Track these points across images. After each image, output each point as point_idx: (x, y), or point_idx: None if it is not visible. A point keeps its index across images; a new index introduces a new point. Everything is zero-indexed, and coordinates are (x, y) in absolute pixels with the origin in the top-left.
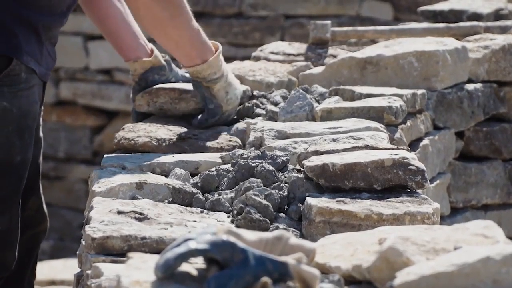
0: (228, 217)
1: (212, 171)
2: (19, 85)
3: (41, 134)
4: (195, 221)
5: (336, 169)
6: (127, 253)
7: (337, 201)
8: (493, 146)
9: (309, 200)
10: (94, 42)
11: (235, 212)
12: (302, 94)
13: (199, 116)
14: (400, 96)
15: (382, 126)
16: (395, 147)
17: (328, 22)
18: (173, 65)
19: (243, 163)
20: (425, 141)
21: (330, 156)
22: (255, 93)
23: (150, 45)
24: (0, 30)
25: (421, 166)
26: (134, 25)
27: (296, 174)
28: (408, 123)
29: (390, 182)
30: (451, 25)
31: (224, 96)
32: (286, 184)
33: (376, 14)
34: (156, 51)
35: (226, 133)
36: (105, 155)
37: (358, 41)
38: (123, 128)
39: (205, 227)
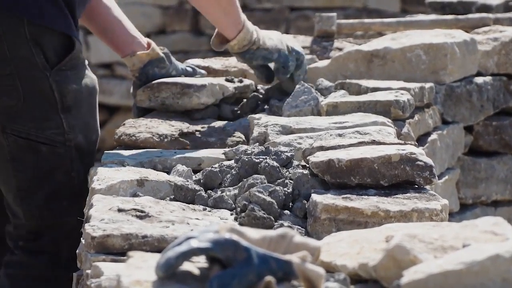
0: (231, 214)
1: (215, 168)
2: (80, 65)
3: None
4: (197, 218)
5: (342, 165)
6: (127, 252)
7: (343, 197)
8: (503, 140)
9: (315, 197)
10: (95, 36)
11: (238, 209)
12: (307, 88)
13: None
14: (408, 89)
15: (389, 120)
16: (403, 142)
17: (334, 14)
18: (172, 58)
19: (246, 159)
20: (434, 136)
21: (336, 152)
22: (259, 87)
23: (146, 39)
24: (54, 5)
25: (429, 161)
26: (126, 20)
27: (301, 170)
28: (416, 117)
29: (397, 178)
30: (460, 17)
31: (273, 41)
32: (290, 181)
33: (383, 6)
34: (153, 44)
35: (229, 128)
36: (105, 152)
37: (365, 33)
38: (124, 124)
39: (207, 225)
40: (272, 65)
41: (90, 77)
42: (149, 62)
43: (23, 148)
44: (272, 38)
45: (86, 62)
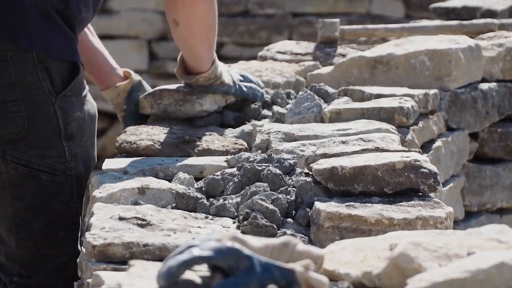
0: (234, 222)
1: (217, 175)
2: (83, 91)
3: None
4: (199, 227)
5: (345, 173)
6: (128, 261)
7: (346, 205)
8: (509, 147)
9: (318, 204)
10: None
11: (241, 217)
12: (310, 95)
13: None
14: (412, 96)
15: (393, 127)
16: (407, 149)
17: (337, 20)
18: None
19: (249, 167)
20: (438, 143)
21: (339, 159)
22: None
23: (121, 69)
24: (59, 31)
25: (434, 168)
26: (105, 50)
27: (304, 178)
28: (420, 124)
29: (401, 186)
30: (464, 22)
31: (229, 75)
32: (293, 188)
33: (386, 11)
34: (130, 70)
35: (231, 135)
36: (106, 159)
37: (368, 39)
38: (125, 131)
39: (209, 233)
40: None
41: (92, 103)
42: (132, 88)
43: (23, 175)
44: (227, 70)
45: (87, 88)
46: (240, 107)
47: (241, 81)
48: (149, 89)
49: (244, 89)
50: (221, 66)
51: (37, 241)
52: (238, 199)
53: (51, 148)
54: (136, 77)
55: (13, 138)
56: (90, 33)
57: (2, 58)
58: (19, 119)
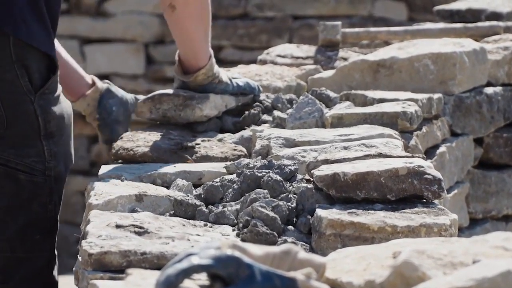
0: (233, 230)
1: (216, 182)
2: (58, 89)
3: None
4: (198, 235)
5: (347, 179)
6: (126, 270)
7: (348, 212)
8: None
9: (319, 211)
10: (91, 46)
11: (240, 225)
12: (311, 100)
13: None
14: (415, 100)
15: (396, 132)
16: (410, 155)
17: (339, 23)
18: (113, 86)
19: (249, 173)
20: (442, 149)
21: (341, 165)
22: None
23: (89, 76)
24: (40, 23)
25: (438, 175)
26: (72, 60)
27: (305, 185)
28: (424, 129)
29: (404, 192)
30: (469, 25)
31: (225, 73)
32: (294, 195)
33: (389, 14)
34: (95, 78)
35: (230, 141)
36: (102, 166)
37: (371, 43)
38: (122, 137)
39: (208, 241)
40: None
41: (67, 102)
42: (101, 96)
43: (1, 175)
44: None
45: (60, 87)
46: (240, 112)
47: (234, 78)
48: (120, 94)
49: (241, 83)
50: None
51: (13, 244)
52: (238, 206)
53: (30, 147)
54: (102, 84)
55: (9, 142)
56: (56, 43)
57: None
58: None
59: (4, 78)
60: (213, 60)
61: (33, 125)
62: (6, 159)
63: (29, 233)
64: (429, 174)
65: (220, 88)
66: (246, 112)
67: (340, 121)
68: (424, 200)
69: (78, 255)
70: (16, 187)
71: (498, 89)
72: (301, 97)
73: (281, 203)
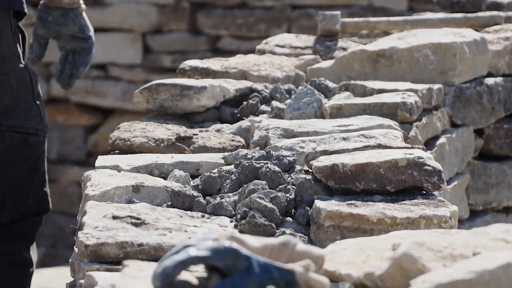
0: (231, 221)
1: (214, 173)
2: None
3: None
4: (195, 226)
5: (346, 170)
6: (122, 261)
7: (347, 204)
8: None
9: (318, 203)
10: None
11: (238, 216)
12: (310, 90)
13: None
14: (415, 91)
15: (396, 123)
16: (410, 146)
17: (338, 12)
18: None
19: (247, 164)
20: (442, 140)
21: (340, 156)
22: (260, 88)
23: None
24: None
25: (438, 166)
26: None
27: (303, 176)
28: (424, 120)
29: (404, 184)
30: (469, 15)
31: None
32: (293, 186)
33: (389, 3)
34: None
35: (228, 132)
36: (99, 156)
37: (370, 32)
38: (118, 128)
39: (206, 233)
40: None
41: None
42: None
43: (17, 142)
44: None
45: None
46: (238, 103)
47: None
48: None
49: (83, 22)
50: None
51: (30, 202)
52: (236, 198)
53: (31, 110)
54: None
55: (7, 109)
56: None
57: None
58: (9, 90)
59: (11, 51)
60: None
61: (30, 89)
62: (20, 126)
63: (42, 190)
64: (429, 165)
65: (79, 23)
66: (244, 103)
67: (339, 112)
68: (424, 192)
69: (74, 246)
70: (28, 150)
71: (499, 79)
72: (299, 88)
73: (279, 194)
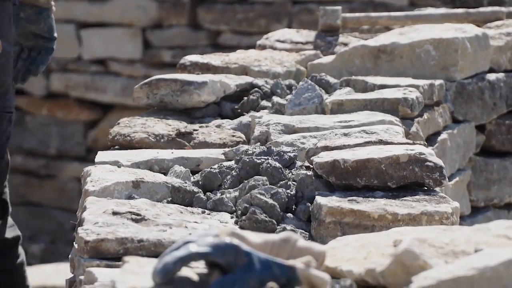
0: (232, 217)
1: (214, 169)
2: None
3: None
4: (196, 222)
5: (347, 166)
6: (122, 257)
7: (348, 200)
8: None
9: (319, 199)
10: (88, 30)
11: (239, 212)
12: (311, 85)
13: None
14: (417, 87)
15: (397, 119)
16: (411, 142)
17: (339, 7)
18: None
19: (247, 160)
20: (444, 135)
21: (341, 152)
22: (261, 83)
23: None
24: None
25: (439, 162)
26: None
27: (304, 171)
28: (425, 116)
29: (405, 180)
30: (471, 10)
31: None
32: (293, 182)
33: None
34: None
35: (229, 127)
36: (99, 152)
37: (371, 28)
38: (119, 123)
39: (206, 229)
40: None
41: None
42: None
43: (8, 122)
44: None
45: None
46: (238, 98)
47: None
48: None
49: (52, 23)
50: None
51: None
52: (236, 193)
53: (12, 89)
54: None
55: (4, 91)
56: None
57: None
58: (10, 71)
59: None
60: None
61: (12, 69)
62: (11, 106)
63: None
64: (430, 161)
65: (49, 22)
66: (245, 98)
67: (340, 107)
68: (425, 188)
69: (74, 243)
70: (9, 126)
71: (501, 75)
72: (300, 83)
73: (280, 190)
